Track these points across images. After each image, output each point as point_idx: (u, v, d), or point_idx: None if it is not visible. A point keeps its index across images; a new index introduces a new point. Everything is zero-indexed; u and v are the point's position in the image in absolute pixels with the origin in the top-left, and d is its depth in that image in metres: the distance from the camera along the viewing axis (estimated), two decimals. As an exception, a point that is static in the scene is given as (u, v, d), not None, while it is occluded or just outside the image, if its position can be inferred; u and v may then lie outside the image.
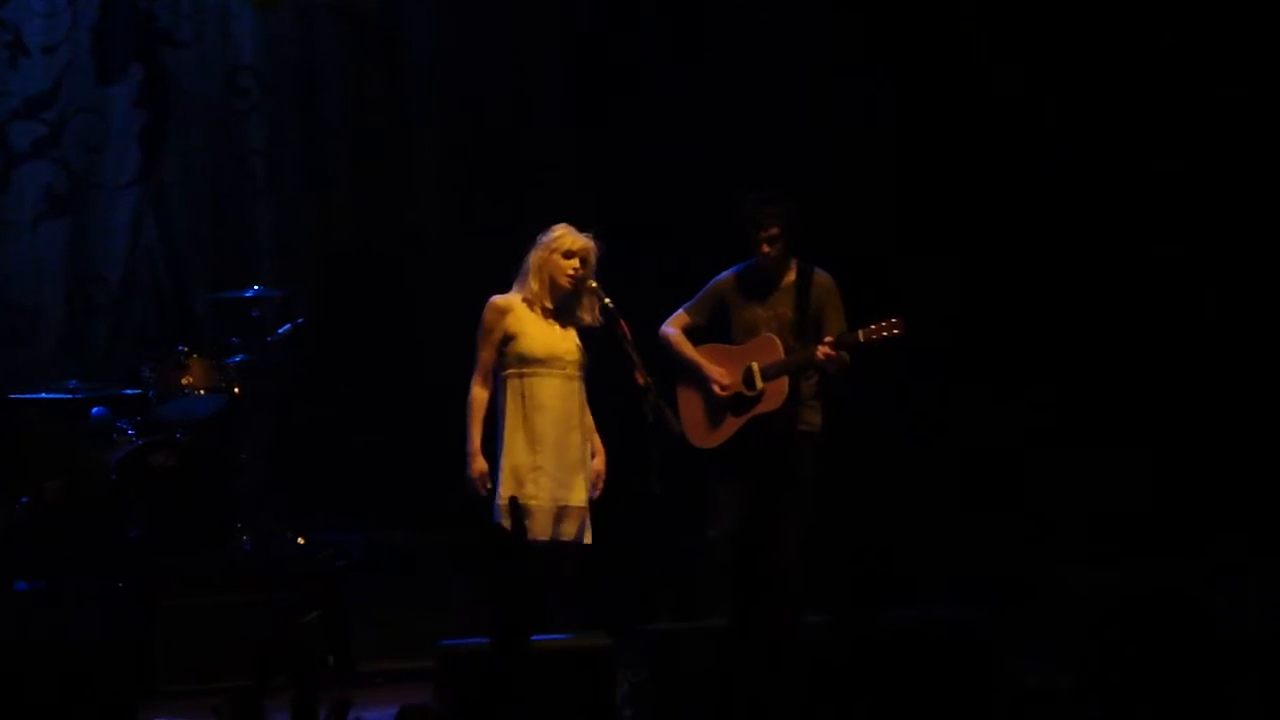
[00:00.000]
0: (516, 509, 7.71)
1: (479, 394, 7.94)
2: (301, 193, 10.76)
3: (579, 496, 7.90)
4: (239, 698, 5.75)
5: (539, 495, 7.82)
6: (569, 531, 7.87)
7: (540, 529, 7.81)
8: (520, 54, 10.82)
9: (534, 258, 7.98)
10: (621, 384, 7.88)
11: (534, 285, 7.96)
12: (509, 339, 7.91)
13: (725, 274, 8.73)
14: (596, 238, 8.00)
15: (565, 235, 7.96)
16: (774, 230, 8.50)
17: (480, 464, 7.86)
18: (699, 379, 8.57)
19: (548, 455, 7.85)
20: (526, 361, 7.89)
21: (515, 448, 7.86)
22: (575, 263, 7.93)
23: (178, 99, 10.64)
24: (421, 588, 9.34)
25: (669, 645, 7.23)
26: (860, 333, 8.37)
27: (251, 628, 8.68)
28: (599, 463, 8.03)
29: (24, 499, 9.35)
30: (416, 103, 10.85)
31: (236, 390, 9.78)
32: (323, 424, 10.31)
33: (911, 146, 10.34)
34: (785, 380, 8.46)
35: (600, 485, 8.01)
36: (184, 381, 9.67)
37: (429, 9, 10.84)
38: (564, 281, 7.93)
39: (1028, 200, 10.18)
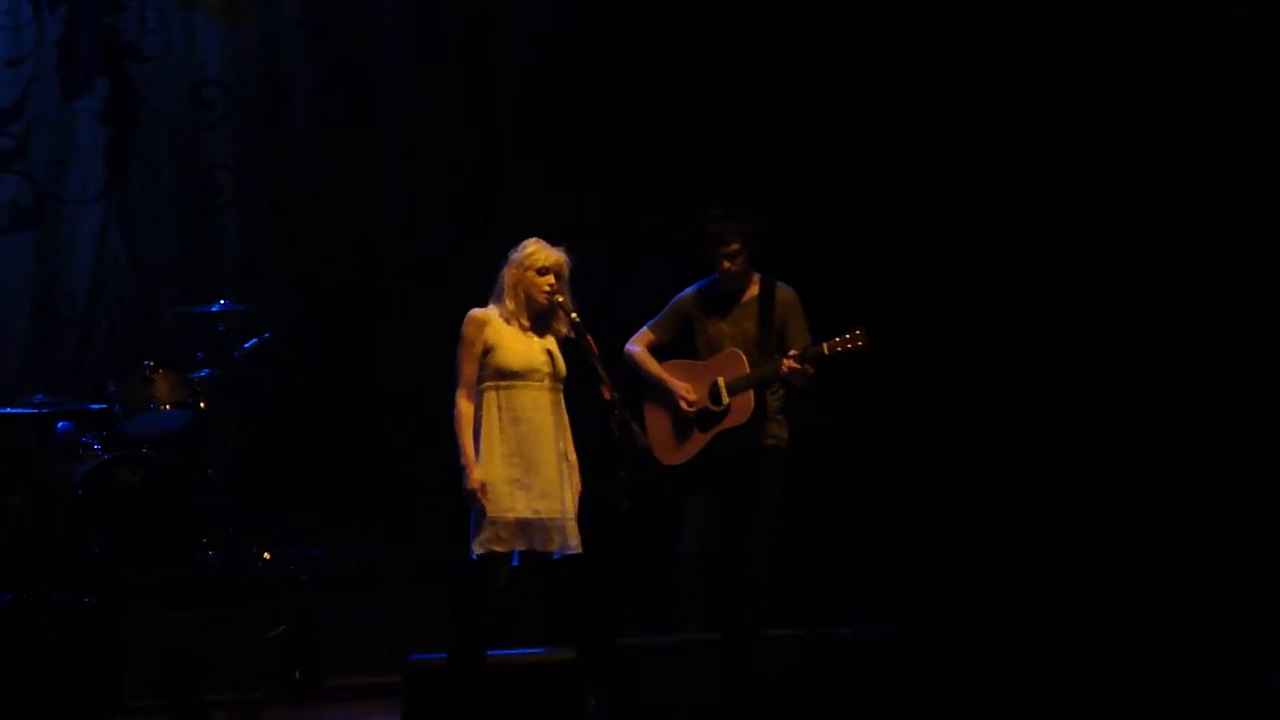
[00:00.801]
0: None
1: (464, 407, 7.91)
2: (268, 206, 10.75)
3: (560, 508, 7.89)
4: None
5: (516, 507, 7.81)
6: (549, 544, 7.86)
7: (517, 541, 7.82)
8: (485, 67, 10.83)
9: (508, 276, 7.99)
10: (588, 399, 7.89)
11: (510, 304, 7.96)
12: (488, 350, 7.91)
13: (687, 291, 8.75)
14: (568, 251, 8.02)
15: (538, 251, 7.97)
16: (735, 245, 8.53)
17: (478, 474, 7.83)
18: (665, 395, 8.59)
19: (525, 467, 7.84)
20: (504, 374, 7.89)
21: (492, 460, 7.85)
22: (550, 278, 7.94)
23: (144, 113, 10.63)
24: (388, 602, 9.32)
25: (637, 659, 7.25)
26: (824, 345, 8.40)
27: (217, 643, 8.68)
28: (574, 477, 8.03)
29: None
30: (382, 116, 10.84)
31: (203, 405, 9.78)
32: (289, 438, 10.30)
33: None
34: (751, 395, 8.48)
35: (576, 499, 8.01)
36: (150, 396, 9.67)
37: (394, 23, 10.85)
38: (540, 298, 7.95)
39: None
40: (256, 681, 8.75)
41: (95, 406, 9.86)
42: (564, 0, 10.73)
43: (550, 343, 8.00)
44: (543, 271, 7.94)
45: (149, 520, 9.46)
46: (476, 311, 7.99)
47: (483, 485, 7.79)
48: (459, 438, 7.87)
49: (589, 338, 7.88)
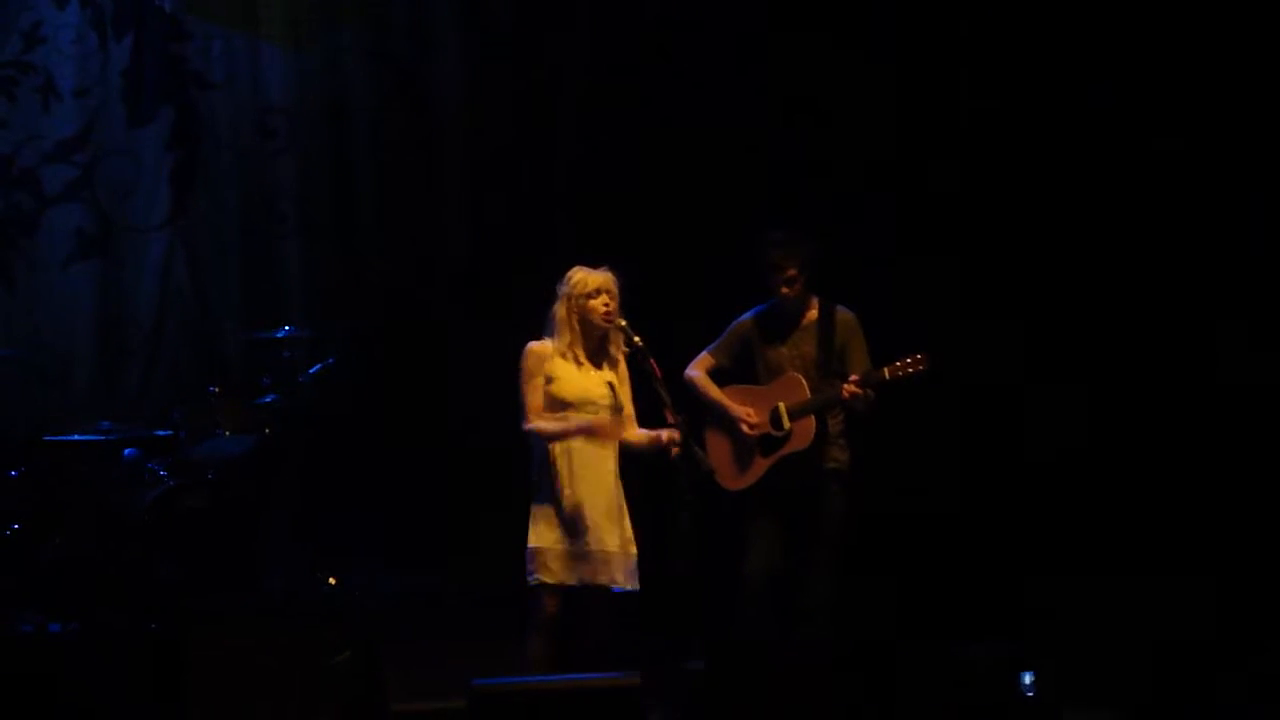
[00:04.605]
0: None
1: (540, 425, 7.87)
2: (332, 233, 10.80)
3: (614, 542, 7.86)
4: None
5: (567, 541, 7.80)
6: (597, 576, 7.83)
7: (566, 575, 7.79)
8: (548, 92, 10.85)
9: (559, 311, 7.91)
10: (652, 422, 7.88)
11: (566, 337, 7.92)
12: (548, 380, 7.88)
13: (746, 315, 8.74)
14: (611, 267, 7.98)
15: (585, 278, 7.90)
16: (792, 271, 8.51)
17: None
18: (726, 421, 8.58)
19: (579, 501, 7.82)
20: (559, 405, 7.85)
21: (547, 493, 7.85)
22: (603, 299, 7.88)
23: (208, 141, 10.72)
24: (453, 627, 9.34)
25: (701, 683, 7.23)
26: (886, 370, 8.37)
27: (283, 669, 8.69)
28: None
29: (56, 540, 9.39)
30: (445, 142, 10.88)
31: (268, 430, 9.82)
32: (353, 463, 10.33)
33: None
34: (812, 419, 8.46)
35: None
36: (215, 422, 9.72)
37: (456, 49, 10.89)
38: (599, 321, 7.87)
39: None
40: (322, 707, 8.77)
41: (161, 433, 9.91)
42: (627, 30, 10.74)
43: (609, 375, 7.95)
44: (594, 294, 7.87)
45: (214, 546, 9.50)
46: (534, 344, 7.92)
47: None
48: (555, 431, 7.83)
49: (652, 361, 7.85)
